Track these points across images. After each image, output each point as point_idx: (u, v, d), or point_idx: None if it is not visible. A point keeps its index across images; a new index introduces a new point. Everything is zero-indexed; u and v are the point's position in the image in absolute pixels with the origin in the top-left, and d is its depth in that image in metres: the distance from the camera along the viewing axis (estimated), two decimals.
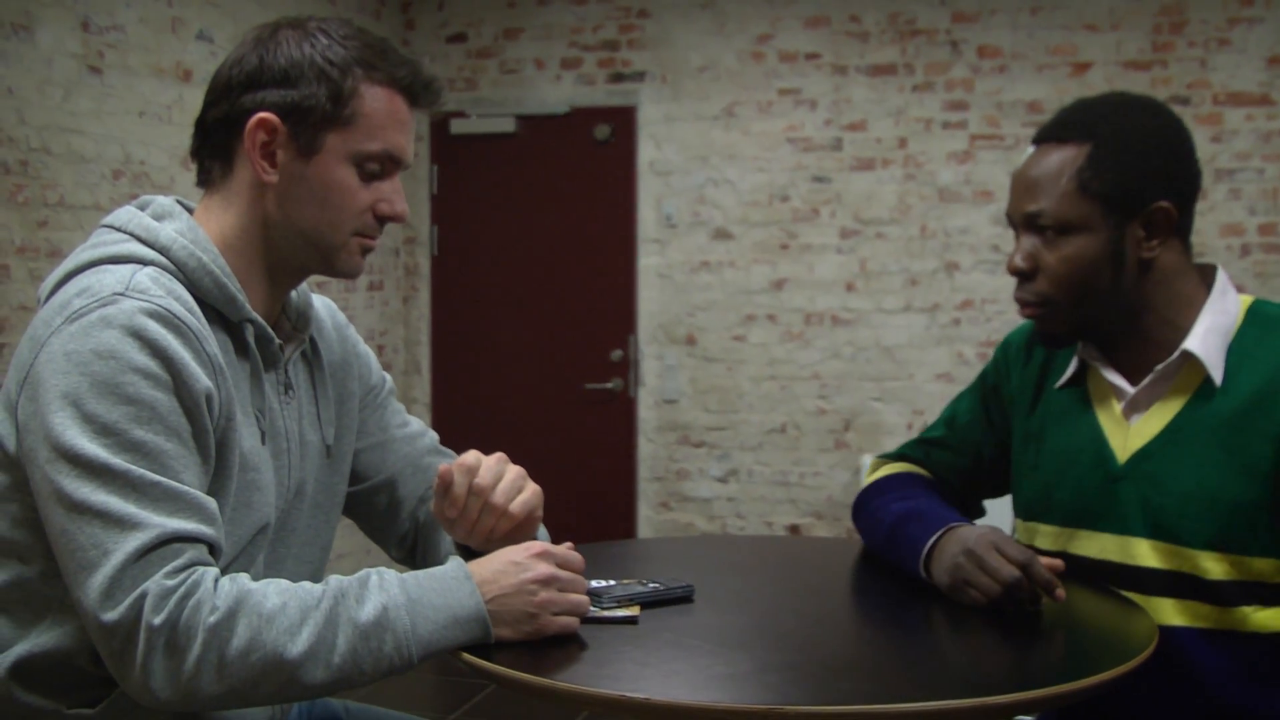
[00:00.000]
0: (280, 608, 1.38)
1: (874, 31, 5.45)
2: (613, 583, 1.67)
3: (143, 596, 1.33)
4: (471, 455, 1.59)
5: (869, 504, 2.00)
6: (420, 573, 1.48)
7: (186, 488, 1.39)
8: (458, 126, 5.92)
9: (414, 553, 1.81)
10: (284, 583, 1.42)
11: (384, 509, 1.81)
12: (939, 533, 1.76)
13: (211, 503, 1.42)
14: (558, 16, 5.79)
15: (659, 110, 5.70)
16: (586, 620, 1.57)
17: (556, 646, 1.50)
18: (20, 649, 1.47)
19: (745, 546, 2.14)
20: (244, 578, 1.41)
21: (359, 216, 1.58)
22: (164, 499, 1.37)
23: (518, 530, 1.59)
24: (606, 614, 1.59)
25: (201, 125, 1.59)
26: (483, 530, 1.57)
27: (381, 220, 1.60)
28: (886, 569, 1.86)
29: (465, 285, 6.00)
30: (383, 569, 1.48)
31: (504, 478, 1.59)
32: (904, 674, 1.47)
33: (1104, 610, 1.72)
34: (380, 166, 1.57)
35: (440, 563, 1.54)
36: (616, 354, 5.83)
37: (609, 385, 5.84)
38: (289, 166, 1.55)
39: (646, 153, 5.73)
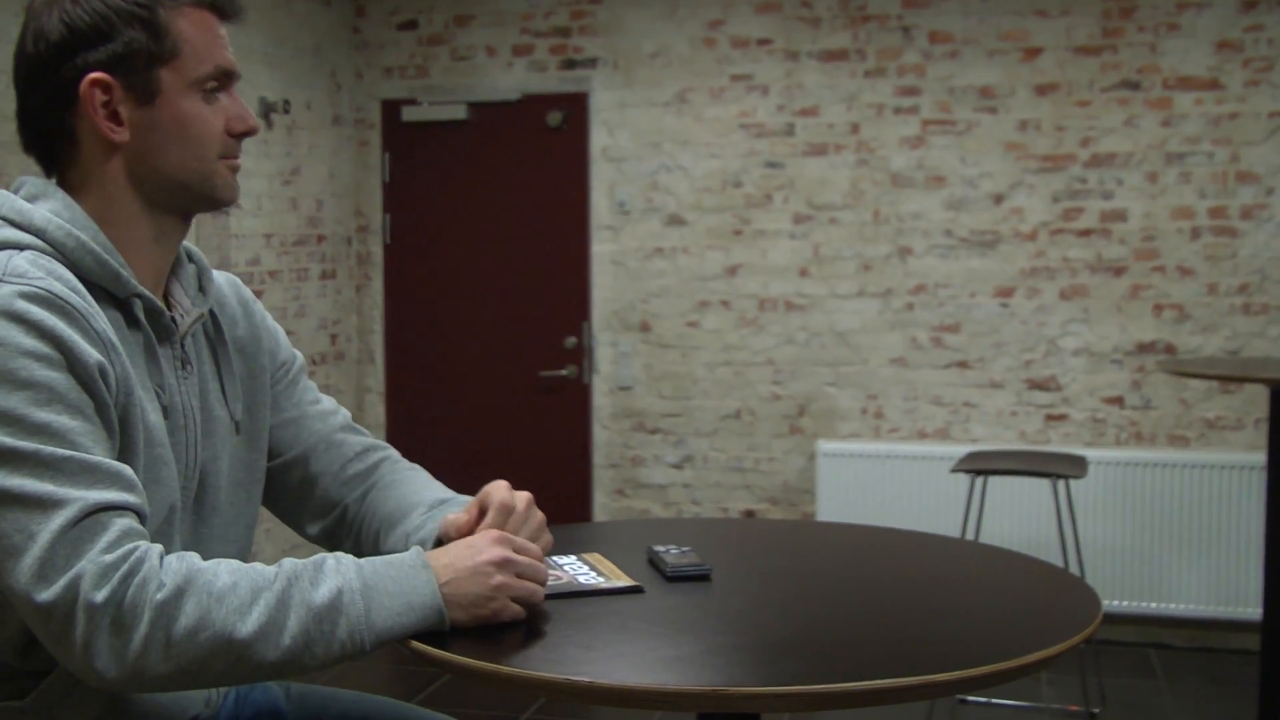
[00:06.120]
0: (231, 587, 1.36)
1: (825, 17, 5.45)
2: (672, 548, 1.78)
3: (79, 575, 1.31)
4: (504, 493, 1.62)
5: None
6: (378, 559, 1.47)
7: (101, 458, 1.37)
8: (409, 114, 5.88)
9: (334, 537, 1.80)
10: (235, 562, 1.40)
11: (296, 485, 1.80)
12: None
13: (129, 470, 1.40)
14: (509, 3, 5.76)
15: (611, 97, 5.69)
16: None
17: (507, 632, 1.50)
18: None
19: (696, 529, 2.14)
20: (193, 556, 1.39)
21: (218, 140, 1.57)
22: (80, 473, 1.34)
23: None
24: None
25: (25, 114, 1.55)
26: None
27: (238, 137, 1.59)
28: (836, 551, 1.86)
29: (418, 273, 5.97)
30: (339, 553, 1.46)
31: (528, 525, 1.62)
32: (848, 654, 1.47)
33: (1046, 588, 1.73)
34: (217, 84, 1.57)
35: (390, 550, 1.53)
36: (570, 341, 5.82)
37: (563, 372, 5.83)
38: (136, 118, 1.52)
39: (599, 139, 5.71)
